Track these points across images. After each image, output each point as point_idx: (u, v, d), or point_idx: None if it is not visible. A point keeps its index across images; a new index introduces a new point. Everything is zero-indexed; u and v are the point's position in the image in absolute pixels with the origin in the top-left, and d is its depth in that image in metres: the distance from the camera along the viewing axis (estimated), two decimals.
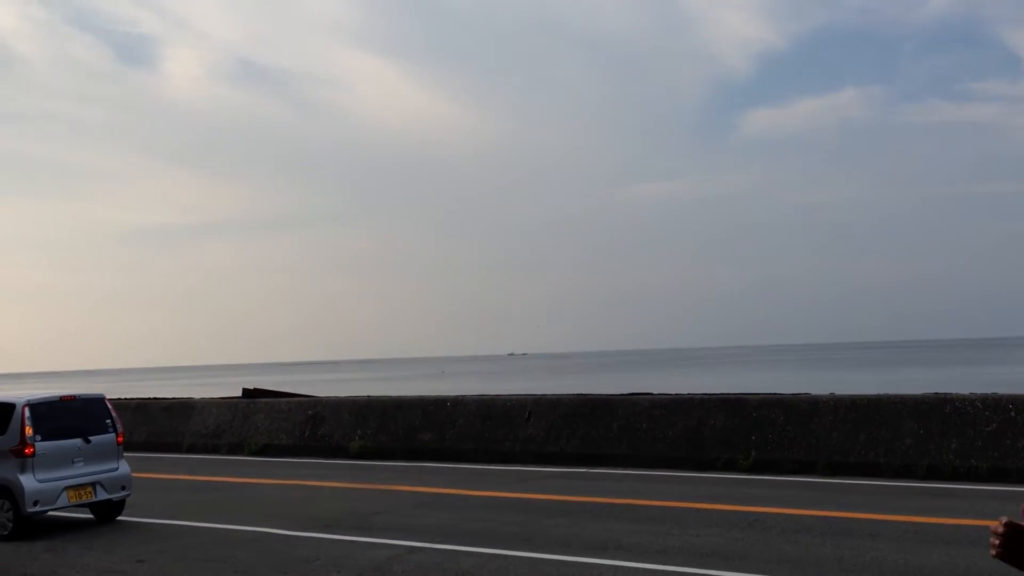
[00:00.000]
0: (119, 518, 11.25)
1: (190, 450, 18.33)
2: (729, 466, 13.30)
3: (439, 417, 16.25)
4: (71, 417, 10.99)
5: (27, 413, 10.44)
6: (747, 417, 13.61)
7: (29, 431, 10.36)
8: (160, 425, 19.14)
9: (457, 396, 17.28)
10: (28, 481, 10.26)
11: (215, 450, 18.04)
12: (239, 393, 20.17)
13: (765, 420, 13.45)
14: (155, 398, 21.52)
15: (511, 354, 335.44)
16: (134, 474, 11.51)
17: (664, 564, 8.05)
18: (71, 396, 11.33)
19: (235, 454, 17.60)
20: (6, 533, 10.26)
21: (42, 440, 10.45)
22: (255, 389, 20.19)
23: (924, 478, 11.96)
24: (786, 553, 8.29)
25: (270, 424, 17.84)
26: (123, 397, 21.71)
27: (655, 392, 16.57)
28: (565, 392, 17.67)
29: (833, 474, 12.52)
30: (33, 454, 10.34)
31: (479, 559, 8.47)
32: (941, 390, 13.59)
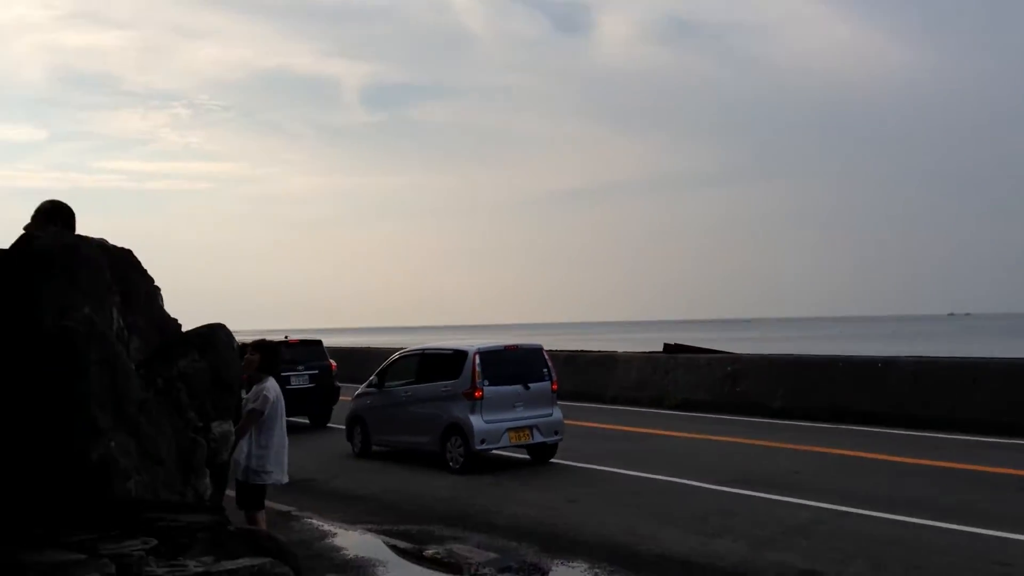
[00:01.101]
0: (551, 460, 12.19)
1: (612, 401, 19.27)
2: None
3: (869, 378, 15.27)
4: (513, 365, 12.12)
5: (477, 360, 11.71)
6: None
7: (479, 376, 11.62)
8: (586, 376, 20.35)
9: (889, 356, 16.10)
10: (477, 421, 11.52)
11: (635, 402, 18.77)
12: (659, 348, 20.69)
13: None
14: (582, 351, 22.87)
15: (951, 314, 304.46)
16: (564, 421, 12.38)
17: None
18: (514, 346, 12.50)
19: (655, 407, 18.15)
20: (457, 467, 11.64)
21: (489, 385, 11.66)
22: (676, 344, 20.57)
23: None
24: None
25: (689, 379, 18.11)
26: (553, 349, 23.37)
27: None
28: (1018, 356, 15.63)
29: None
30: (482, 397, 11.58)
31: (914, 529, 7.83)
32: None
